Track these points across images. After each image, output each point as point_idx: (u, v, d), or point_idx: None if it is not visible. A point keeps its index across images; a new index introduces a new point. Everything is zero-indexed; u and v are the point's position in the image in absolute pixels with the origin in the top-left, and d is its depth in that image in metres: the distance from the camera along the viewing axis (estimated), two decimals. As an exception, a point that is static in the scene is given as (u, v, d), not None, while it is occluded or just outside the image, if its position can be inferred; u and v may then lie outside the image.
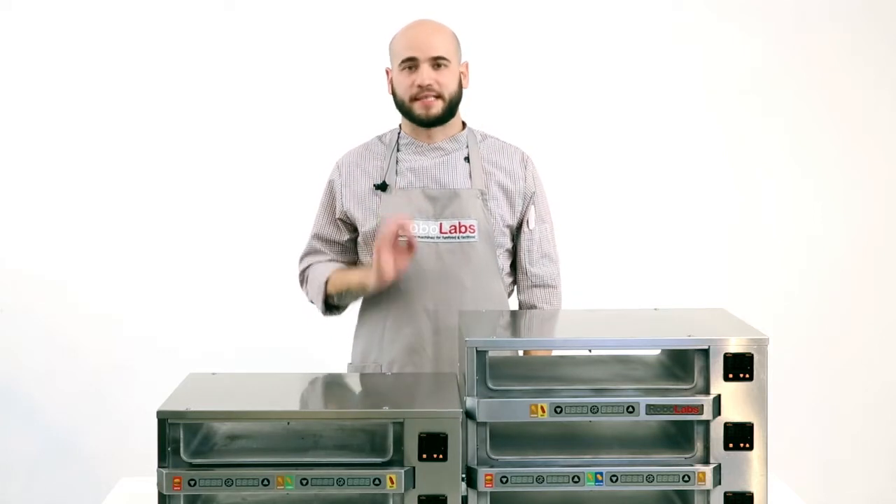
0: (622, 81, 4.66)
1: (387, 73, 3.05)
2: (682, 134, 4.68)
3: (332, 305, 3.10)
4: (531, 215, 3.06)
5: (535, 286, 3.11)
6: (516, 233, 3.08)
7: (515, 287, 3.15)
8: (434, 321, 2.98)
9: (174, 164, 4.60)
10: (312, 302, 3.14)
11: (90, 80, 4.57)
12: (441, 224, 2.97)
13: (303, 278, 3.16)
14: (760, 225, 4.71)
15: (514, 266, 3.12)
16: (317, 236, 3.13)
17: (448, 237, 2.96)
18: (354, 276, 3.01)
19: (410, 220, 2.88)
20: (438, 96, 2.94)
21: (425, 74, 2.92)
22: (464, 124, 3.09)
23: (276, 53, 4.60)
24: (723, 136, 4.71)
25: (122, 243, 4.59)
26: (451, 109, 2.99)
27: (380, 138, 3.11)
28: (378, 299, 3.03)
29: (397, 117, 3.07)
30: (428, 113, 2.95)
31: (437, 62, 2.93)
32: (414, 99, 2.95)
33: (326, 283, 3.04)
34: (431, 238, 2.96)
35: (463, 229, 2.96)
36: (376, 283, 2.90)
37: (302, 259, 3.16)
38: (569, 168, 4.37)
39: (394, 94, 3.02)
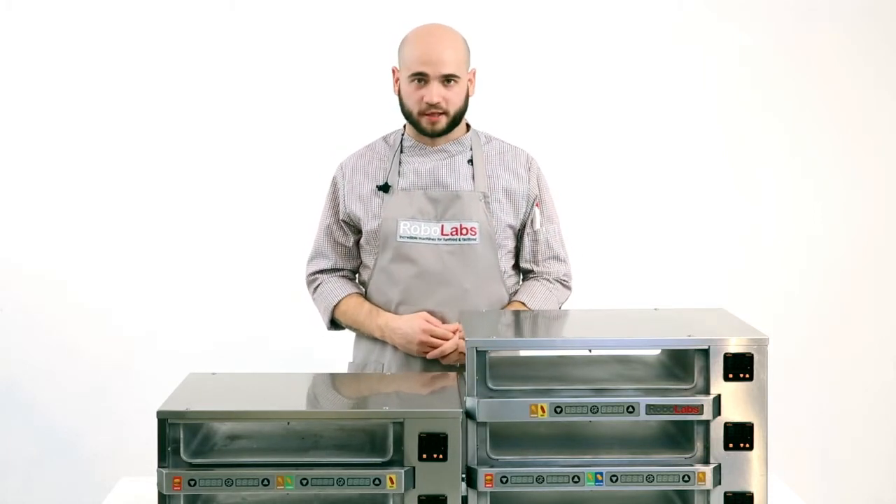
0: (622, 81, 4.66)
1: (393, 71, 3.04)
2: (682, 134, 4.68)
3: (337, 324, 3.14)
4: (536, 216, 3.05)
5: (543, 280, 3.08)
6: (520, 234, 3.07)
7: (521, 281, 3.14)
8: None
9: (177, 164, 4.59)
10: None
11: (91, 81, 4.56)
12: (442, 226, 2.96)
13: (312, 287, 3.16)
14: (760, 225, 4.71)
15: (517, 267, 3.11)
16: (322, 236, 3.13)
17: (449, 239, 2.96)
18: (371, 325, 3.03)
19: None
20: (444, 113, 2.95)
21: (435, 92, 2.91)
22: (468, 126, 3.09)
23: (278, 54, 4.59)
24: (723, 136, 4.70)
25: (123, 242, 4.59)
26: (455, 122, 2.99)
27: (384, 139, 3.11)
28: (380, 301, 3.04)
29: (401, 118, 3.06)
30: (433, 128, 2.97)
31: (447, 79, 2.92)
32: (421, 114, 2.95)
33: (335, 308, 3.07)
34: (433, 240, 2.96)
35: (464, 231, 2.96)
36: (397, 347, 2.98)
37: (310, 261, 3.16)
38: (569, 168, 4.36)
39: (400, 100, 3.01)
